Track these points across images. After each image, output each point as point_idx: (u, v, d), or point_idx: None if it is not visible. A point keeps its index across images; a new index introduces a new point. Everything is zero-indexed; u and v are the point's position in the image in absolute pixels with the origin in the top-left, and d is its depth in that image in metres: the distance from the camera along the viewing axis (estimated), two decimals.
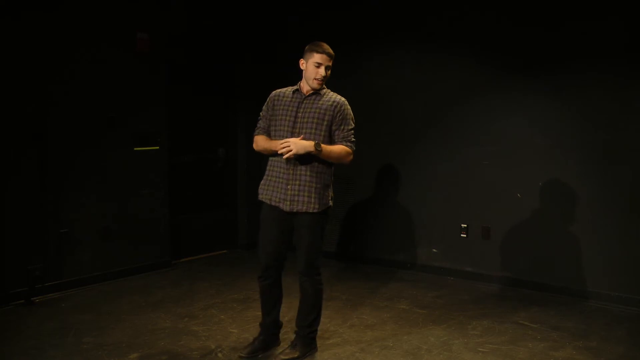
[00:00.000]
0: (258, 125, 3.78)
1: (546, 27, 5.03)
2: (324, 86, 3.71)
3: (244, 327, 4.31)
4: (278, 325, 3.92)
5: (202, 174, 6.48)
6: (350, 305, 4.81)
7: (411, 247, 5.91)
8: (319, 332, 4.20)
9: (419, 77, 5.79)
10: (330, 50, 3.63)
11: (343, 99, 3.69)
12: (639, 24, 4.64)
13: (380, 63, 5.98)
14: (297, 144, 3.46)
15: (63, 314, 4.56)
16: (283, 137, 3.58)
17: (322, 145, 3.53)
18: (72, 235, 5.14)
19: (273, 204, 3.65)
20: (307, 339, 3.79)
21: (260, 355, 3.80)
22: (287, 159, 3.52)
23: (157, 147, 5.74)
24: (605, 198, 4.87)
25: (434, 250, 5.77)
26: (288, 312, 4.64)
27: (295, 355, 3.72)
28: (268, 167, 3.72)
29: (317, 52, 3.60)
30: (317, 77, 3.59)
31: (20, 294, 4.78)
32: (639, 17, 4.64)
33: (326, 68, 3.60)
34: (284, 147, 3.48)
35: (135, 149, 5.57)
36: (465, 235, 5.55)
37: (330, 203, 3.72)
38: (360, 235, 6.24)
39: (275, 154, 3.60)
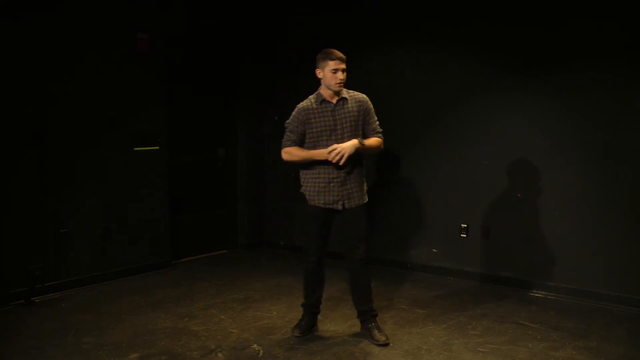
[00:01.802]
0: (287, 137, 4.04)
1: (546, 27, 5.03)
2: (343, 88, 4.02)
3: (244, 327, 4.31)
4: (319, 304, 4.26)
5: (202, 174, 6.48)
6: (350, 305, 4.80)
7: (411, 247, 5.91)
8: (319, 332, 4.22)
9: (419, 77, 5.79)
10: (341, 54, 3.96)
11: (363, 95, 4.07)
12: (639, 24, 4.64)
13: (380, 63, 5.98)
14: (346, 147, 3.84)
15: (63, 314, 4.56)
16: (328, 143, 3.92)
17: (364, 140, 3.96)
18: (72, 235, 5.14)
19: (327, 206, 3.98)
20: (375, 318, 4.14)
21: (308, 335, 4.16)
22: (333, 166, 3.90)
23: (157, 147, 5.75)
24: (605, 198, 4.87)
25: (434, 250, 5.76)
26: (289, 312, 4.64)
27: (385, 336, 4.04)
28: (311, 175, 4.01)
29: (331, 59, 3.92)
30: (337, 82, 3.91)
31: (20, 294, 4.78)
32: (639, 17, 4.64)
33: (342, 71, 3.92)
34: (337, 155, 3.82)
35: (135, 149, 5.57)
36: (465, 235, 5.55)
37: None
38: None
39: (316, 162, 3.95)
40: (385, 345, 3.97)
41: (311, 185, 4.02)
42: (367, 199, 4.09)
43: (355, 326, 4.32)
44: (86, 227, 5.24)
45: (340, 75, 3.91)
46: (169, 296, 5.02)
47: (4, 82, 4.69)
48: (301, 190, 4.08)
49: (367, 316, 4.12)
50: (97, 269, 5.33)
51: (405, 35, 5.81)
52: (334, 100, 3.98)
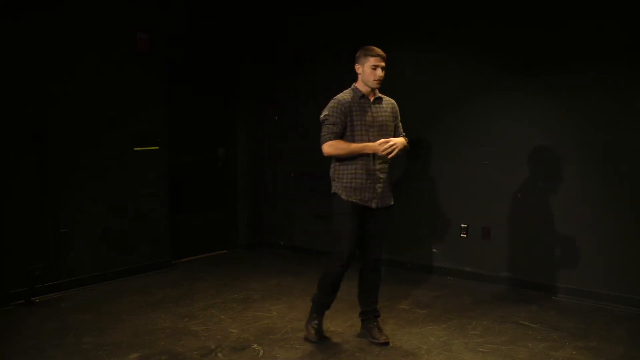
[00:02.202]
0: (329, 130, 3.91)
1: (546, 27, 5.03)
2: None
3: (244, 327, 4.31)
4: (330, 305, 4.16)
5: (202, 174, 6.48)
6: (350, 305, 4.81)
7: (411, 247, 5.91)
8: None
9: (419, 77, 5.79)
10: (382, 52, 3.95)
11: (392, 99, 4.15)
12: (639, 24, 4.64)
13: None
14: (399, 143, 3.87)
15: (63, 314, 4.56)
16: (371, 140, 3.88)
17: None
18: (72, 235, 5.14)
19: (362, 203, 3.92)
20: (377, 318, 4.15)
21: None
22: (380, 160, 3.90)
23: (157, 147, 5.75)
24: (605, 198, 4.87)
25: (434, 250, 5.76)
26: (289, 312, 4.64)
27: (385, 336, 4.05)
28: (349, 171, 3.92)
29: (372, 55, 3.91)
30: (376, 79, 3.90)
31: (20, 294, 4.78)
32: (639, 17, 4.64)
33: (382, 68, 3.91)
34: (389, 147, 3.79)
35: (135, 149, 5.57)
36: (465, 235, 5.55)
37: None
38: None
39: (356, 157, 3.88)
40: (386, 344, 3.97)
41: (348, 181, 3.92)
42: (393, 201, 4.10)
43: (356, 326, 4.32)
44: (86, 227, 5.24)
45: (380, 73, 3.90)
46: (169, 296, 5.02)
47: (4, 82, 4.69)
48: (333, 190, 3.98)
49: (370, 316, 4.12)
50: (97, 269, 5.33)
51: (405, 35, 5.81)
52: (372, 98, 3.98)
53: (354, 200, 3.91)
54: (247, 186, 6.80)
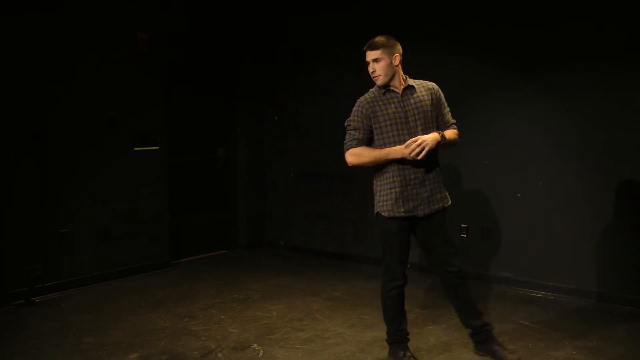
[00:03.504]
0: (352, 137, 3.47)
1: (546, 27, 5.03)
2: (406, 76, 3.57)
3: (244, 327, 4.31)
4: (407, 332, 3.66)
5: (202, 174, 6.48)
6: (350, 305, 4.81)
7: (411, 247, 5.88)
8: (318, 332, 4.21)
9: (419, 77, 5.77)
10: (369, 45, 3.47)
11: (433, 83, 3.61)
12: (639, 24, 4.64)
13: None
14: (428, 139, 3.29)
15: (63, 314, 4.56)
16: (402, 141, 3.37)
17: (443, 132, 3.44)
18: (72, 235, 5.14)
19: (407, 214, 3.42)
20: (492, 332, 3.59)
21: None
22: (416, 161, 3.34)
23: (157, 147, 5.75)
24: (605, 198, 4.86)
25: None
26: (289, 312, 4.64)
27: (517, 355, 3.62)
28: (385, 181, 3.47)
29: (365, 50, 3.49)
30: (372, 76, 3.51)
31: (20, 294, 4.78)
32: (639, 17, 4.64)
33: (374, 61, 3.46)
34: (417, 147, 3.28)
35: (135, 149, 5.57)
36: (465, 235, 5.55)
37: None
38: (361, 235, 6.24)
39: (389, 164, 3.42)
40: None
41: (386, 194, 3.44)
42: (449, 201, 3.56)
43: (356, 326, 4.32)
44: (86, 227, 5.24)
45: (371, 68, 3.48)
46: (169, 296, 5.02)
47: (4, 82, 4.69)
48: (376, 210, 3.52)
49: (482, 332, 3.58)
50: (97, 269, 5.33)
51: (405, 35, 5.77)
52: (399, 89, 3.47)
53: (397, 215, 3.43)
54: (247, 186, 6.80)
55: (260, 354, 3.85)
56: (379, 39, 3.47)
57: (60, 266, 5.07)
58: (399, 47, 3.51)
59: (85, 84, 5.18)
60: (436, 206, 3.47)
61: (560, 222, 5.07)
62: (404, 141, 3.36)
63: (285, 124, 6.76)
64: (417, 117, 3.42)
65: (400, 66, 3.52)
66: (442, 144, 3.38)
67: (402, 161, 3.38)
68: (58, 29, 4.97)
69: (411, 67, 5.94)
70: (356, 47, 6.12)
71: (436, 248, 3.51)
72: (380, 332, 4.24)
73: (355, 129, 3.47)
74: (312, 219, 6.57)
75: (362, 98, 3.54)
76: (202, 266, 6.07)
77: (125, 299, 4.93)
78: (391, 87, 3.48)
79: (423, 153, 3.28)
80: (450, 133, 3.50)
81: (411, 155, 3.29)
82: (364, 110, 3.47)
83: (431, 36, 5.64)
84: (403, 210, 3.42)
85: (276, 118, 6.82)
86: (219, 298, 4.99)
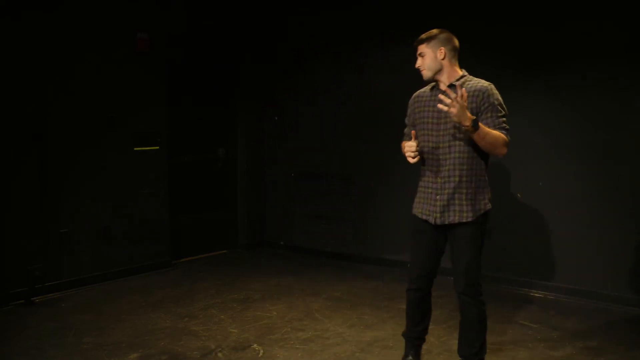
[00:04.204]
0: (404, 132, 3.50)
1: (546, 27, 5.03)
2: (465, 73, 3.34)
3: (244, 327, 4.31)
4: (424, 334, 3.56)
5: (202, 174, 6.48)
6: (350, 305, 4.81)
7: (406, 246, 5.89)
8: (318, 332, 4.21)
9: (420, 77, 5.76)
10: (418, 39, 3.33)
11: (487, 83, 3.24)
12: (639, 24, 4.64)
13: (381, 63, 5.98)
14: (458, 111, 2.96)
15: (63, 314, 4.56)
16: (429, 141, 3.27)
17: (480, 124, 3.03)
18: (72, 235, 5.14)
19: (423, 217, 3.31)
20: None
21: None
22: (438, 167, 3.23)
23: (157, 147, 5.75)
24: (605, 198, 4.86)
25: None
26: (289, 312, 4.64)
27: None
28: (420, 179, 3.42)
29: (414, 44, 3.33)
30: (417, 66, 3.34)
31: (20, 294, 4.78)
32: (638, 17, 4.64)
33: (419, 56, 3.34)
34: (406, 150, 3.22)
35: (135, 149, 5.57)
36: None
37: (487, 207, 3.30)
38: (361, 235, 6.24)
39: (423, 162, 3.32)
40: None
41: (417, 192, 3.41)
42: (472, 216, 3.20)
43: (356, 326, 4.32)
44: (86, 227, 5.24)
45: (417, 63, 3.32)
46: (169, 296, 5.02)
47: (4, 82, 4.69)
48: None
49: None
50: (97, 269, 5.33)
51: (406, 35, 5.79)
52: (444, 86, 3.24)
53: (416, 214, 3.36)
54: (247, 186, 6.80)
55: (260, 354, 3.85)
56: (427, 33, 3.31)
57: (60, 266, 5.07)
58: (448, 41, 3.30)
59: (85, 84, 5.18)
60: (450, 218, 3.21)
61: (560, 222, 5.07)
62: (431, 142, 3.24)
63: (285, 124, 6.76)
64: (449, 118, 3.13)
65: (449, 61, 3.31)
66: (473, 133, 3.01)
67: (427, 163, 3.31)
68: (58, 29, 4.96)
69: (411, 67, 5.96)
70: (356, 47, 6.16)
71: (455, 265, 3.27)
72: (380, 332, 4.24)
73: (406, 125, 3.51)
74: (312, 219, 6.57)
75: (415, 93, 3.47)
76: (202, 266, 6.07)
77: (125, 299, 4.93)
78: (439, 83, 3.31)
79: (447, 108, 3.00)
80: (493, 131, 3.09)
81: (409, 157, 3.22)
82: (410, 106, 3.47)
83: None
84: (420, 211, 3.34)
85: (276, 118, 6.82)
86: (219, 298, 4.99)
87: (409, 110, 3.48)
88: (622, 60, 4.72)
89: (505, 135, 3.15)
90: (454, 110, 2.97)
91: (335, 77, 6.29)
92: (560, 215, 5.07)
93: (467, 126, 3.00)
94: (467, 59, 5.48)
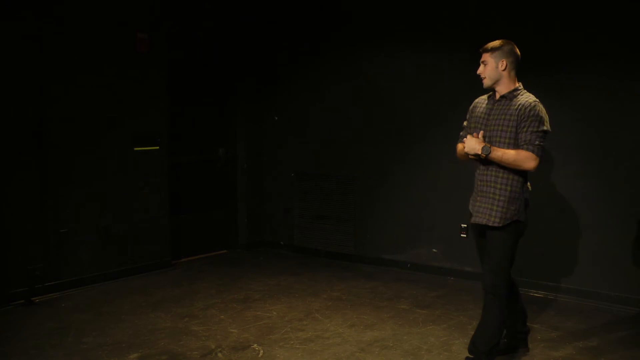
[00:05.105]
0: (460, 134, 3.70)
1: (546, 28, 5.02)
2: (519, 87, 3.48)
3: (244, 327, 4.31)
4: (515, 330, 3.78)
5: (202, 174, 6.48)
6: (350, 305, 4.81)
7: (411, 247, 5.90)
8: (318, 332, 4.21)
9: (420, 77, 5.79)
10: (487, 45, 3.47)
11: (533, 100, 3.37)
12: (639, 25, 4.64)
13: (381, 63, 5.97)
14: (469, 142, 3.39)
15: (63, 314, 4.56)
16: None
17: (494, 148, 3.31)
18: (72, 235, 5.14)
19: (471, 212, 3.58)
20: None
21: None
22: (483, 169, 3.46)
23: (157, 147, 5.75)
24: (605, 198, 4.87)
25: (434, 250, 5.76)
26: (289, 312, 4.64)
27: None
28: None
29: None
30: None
31: (20, 294, 4.78)
32: (638, 18, 4.64)
33: (482, 64, 3.48)
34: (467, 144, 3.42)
35: (135, 149, 5.57)
36: (465, 235, 5.54)
37: (518, 217, 3.45)
38: (360, 235, 6.24)
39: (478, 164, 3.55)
40: None
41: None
42: (499, 222, 3.38)
43: (356, 326, 4.32)
44: (86, 227, 5.24)
45: (479, 69, 3.49)
46: (169, 296, 5.02)
47: (4, 82, 4.69)
48: None
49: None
50: (97, 269, 5.33)
51: (406, 35, 5.81)
52: (498, 95, 3.46)
53: (471, 211, 3.60)
54: (247, 186, 6.80)
55: (260, 354, 3.85)
56: (492, 42, 3.46)
57: (60, 266, 5.07)
58: (511, 53, 3.43)
59: (85, 84, 5.18)
60: (478, 219, 3.45)
61: (560, 222, 5.07)
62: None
63: (285, 124, 6.76)
64: (492, 127, 3.40)
65: (509, 73, 3.44)
66: (487, 157, 3.33)
67: (479, 165, 3.51)
68: (58, 29, 4.96)
69: (412, 67, 5.98)
70: (355, 48, 6.16)
71: (484, 263, 3.50)
72: (380, 332, 4.25)
73: (463, 128, 3.70)
74: (312, 219, 6.58)
75: (476, 99, 3.68)
76: (202, 266, 6.07)
77: (125, 299, 4.93)
78: (496, 92, 3.49)
79: (467, 150, 3.40)
80: (510, 151, 3.31)
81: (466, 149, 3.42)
82: (469, 112, 3.67)
83: (432, 36, 5.64)
84: (470, 208, 3.60)
85: (276, 118, 6.82)
86: (219, 298, 4.99)
87: (467, 115, 3.69)
88: (622, 61, 4.72)
89: (532, 150, 3.30)
90: (465, 147, 3.40)
91: (335, 78, 6.29)
92: (559, 215, 5.07)
93: (480, 154, 3.34)
94: (467, 59, 5.52)
